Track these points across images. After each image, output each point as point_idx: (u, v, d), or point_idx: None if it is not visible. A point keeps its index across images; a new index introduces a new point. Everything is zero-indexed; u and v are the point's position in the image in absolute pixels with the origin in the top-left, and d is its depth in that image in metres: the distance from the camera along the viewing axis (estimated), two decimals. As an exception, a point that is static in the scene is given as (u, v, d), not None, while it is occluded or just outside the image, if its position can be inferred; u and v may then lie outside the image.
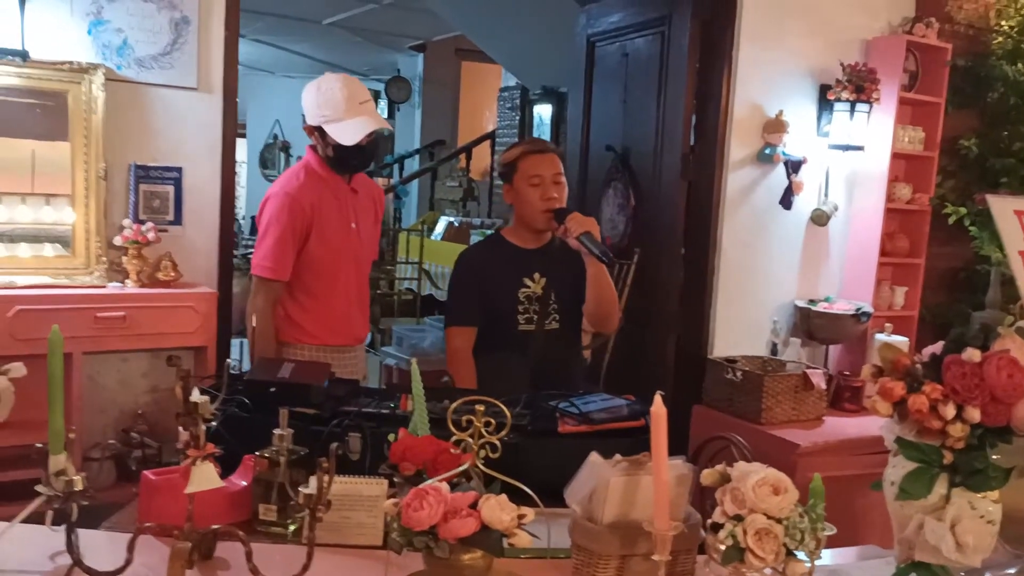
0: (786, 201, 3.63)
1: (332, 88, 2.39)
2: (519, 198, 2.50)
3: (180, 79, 2.64)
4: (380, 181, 9.78)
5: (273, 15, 7.89)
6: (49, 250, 2.51)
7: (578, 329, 2.65)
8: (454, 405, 1.27)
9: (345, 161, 2.47)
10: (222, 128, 2.74)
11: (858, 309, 3.58)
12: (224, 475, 1.67)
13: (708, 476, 1.25)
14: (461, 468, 1.25)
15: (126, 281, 2.55)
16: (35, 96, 2.45)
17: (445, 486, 1.23)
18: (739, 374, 3.26)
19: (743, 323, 3.68)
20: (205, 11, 2.65)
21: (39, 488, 1.33)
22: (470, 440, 1.25)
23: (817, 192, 3.73)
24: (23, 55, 2.29)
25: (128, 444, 2.48)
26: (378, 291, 6.69)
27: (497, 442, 1.25)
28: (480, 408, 1.26)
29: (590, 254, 2.35)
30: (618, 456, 1.38)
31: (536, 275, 2.51)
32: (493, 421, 1.26)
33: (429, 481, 1.26)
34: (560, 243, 2.50)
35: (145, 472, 1.57)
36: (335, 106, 2.38)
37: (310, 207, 2.42)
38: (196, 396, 1.31)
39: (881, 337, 3.47)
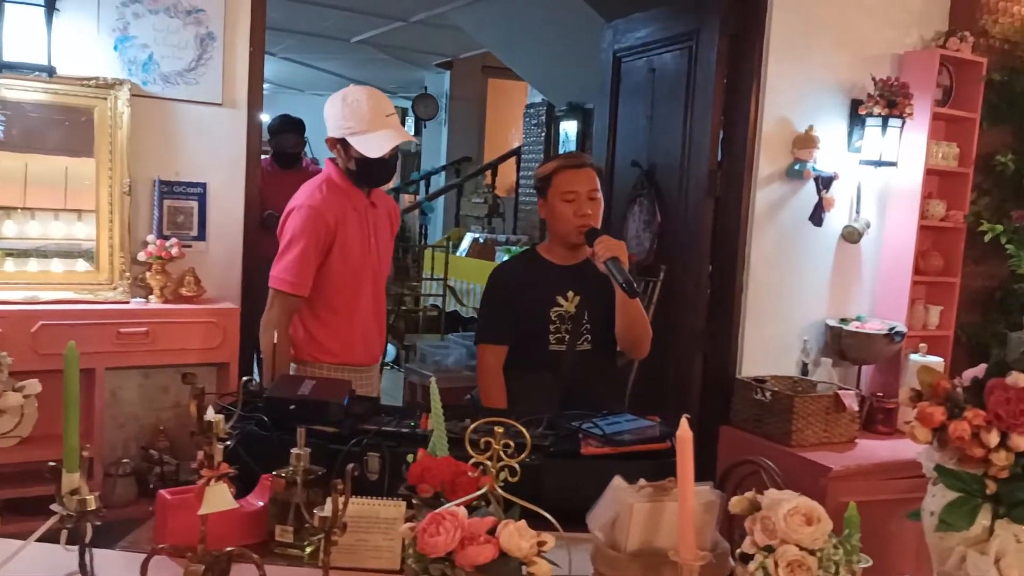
0: (816, 218, 3.56)
1: (358, 100, 2.34)
2: (553, 214, 2.44)
3: (205, 95, 2.64)
4: (406, 198, 9.83)
5: (303, 33, 7.98)
6: (74, 265, 2.52)
7: (612, 351, 2.56)
8: (472, 426, 1.24)
9: (367, 175, 2.42)
10: (246, 144, 2.73)
11: (891, 329, 3.49)
12: (243, 494, 1.66)
13: (737, 504, 1.20)
14: (479, 492, 1.21)
15: (149, 297, 2.54)
16: (62, 112, 2.46)
17: (463, 510, 1.19)
18: (768, 394, 3.19)
19: (772, 342, 3.61)
20: (230, 27, 2.66)
21: (53, 507, 1.31)
22: (489, 463, 1.21)
23: (848, 209, 3.66)
24: (50, 71, 2.30)
25: (148, 460, 2.46)
26: (403, 307, 6.69)
27: (516, 465, 1.21)
28: (499, 430, 1.22)
29: (615, 281, 2.28)
30: (642, 481, 1.34)
31: (570, 293, 2.45)
32: (512, 443, 1.22)
33: (447, 505, 1.22)
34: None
35: (161, 491, 1.55)
36: (360, 118, 2.33)
37: (333, 221, 2.38)
38: (211, 415, 1.29)
39: (915, 358, 3.38)
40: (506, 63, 7.77)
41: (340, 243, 2.40)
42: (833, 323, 3.62)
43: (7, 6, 2.18)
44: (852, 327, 3.55)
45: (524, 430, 1.26)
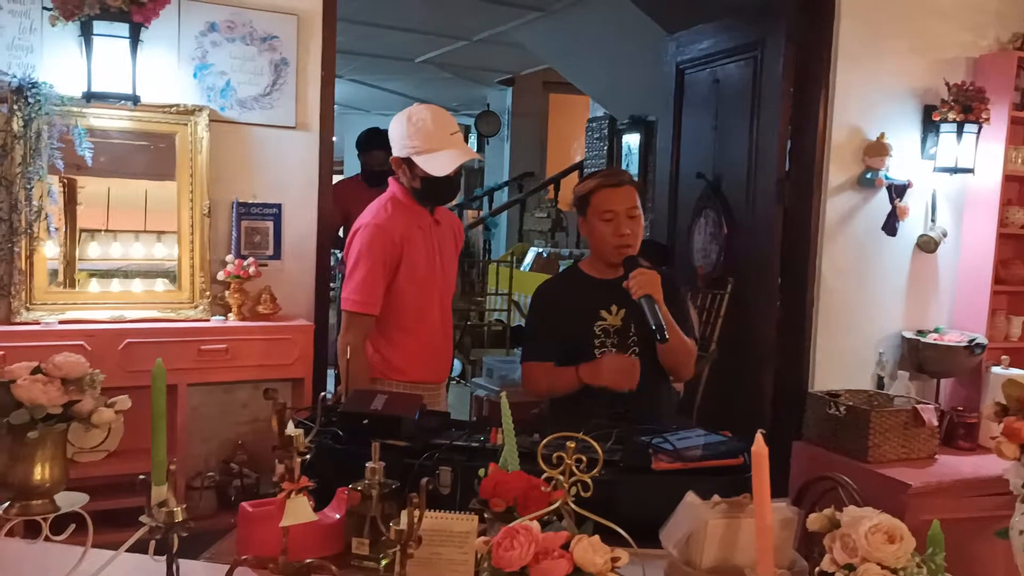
0: (890, 227, 3.48)
1: (423, 119, 2.35)
2: (592, 233, 2.42)
3: (279, 119, 2.73)
4: (470, 213, 9.92)
5: (368, 55, 8.15)
6: (157, 285, 2.62)
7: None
8: (545, 441, 1.24)
9: (432, 193, 2.43)
10: (319, 165, 2.81)
11: (971, 340, 3.38)
12: (319, 507, 1.70)
13: (815, 521, 1.18)
14: (553, 507, 1.22)
15: (228, 315, 2.63)
16: (145, 138, 2.58)
17: (536, 525, 1.20)
18: (843, 409, 3.11)
19: (846, 355, 3.53)
20: (303, 53, 2.74)
21: (142, 519, 1.37)
22: (561, 478, 1.22)
23: (924, 217, 3.57)
24: (134, 99, 2.40)
25: (229, 474, 2.54)
26: (469, 322, 6.74)
27: (589, 480, 1.21)
28: (571, 445, 1.23)
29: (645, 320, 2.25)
30: (716, 497, 1.33)
31: (614, 307, 2.41)
32: (584, 458, 1.22)
33: (520, 519, 1.23)
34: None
35: (243, 504, 1.60)
36: (426, 137, 2.33)
37: (399, 239, 2.39)
38: (291, 429, 1.33)
39: (997, 370, 3.26)
40: (568, 78, 7.79)
41: (407, 261, 2.41)
42: (910, 335, 3.52)
43: (95, 39, 2.30)
44: (930, 339, 3.45)
45: (597, 445, 1.26)
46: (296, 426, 2.05)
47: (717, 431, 2.01)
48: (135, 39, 2.34)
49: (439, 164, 2.34)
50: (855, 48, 3.41)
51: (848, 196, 3.47)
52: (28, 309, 2.37)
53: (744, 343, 3.72)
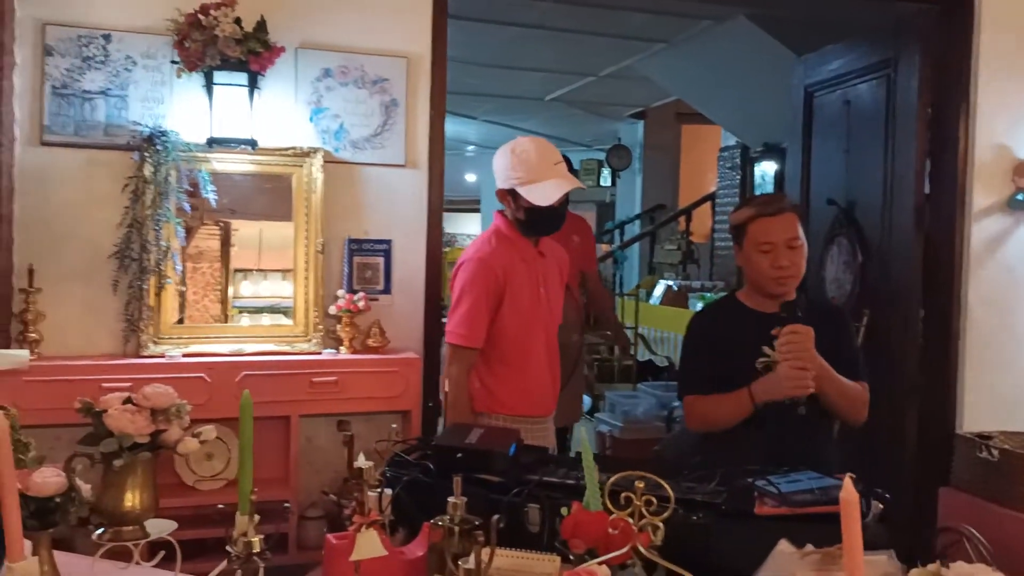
0: (1047, 253, 3.16)
1: (527, 150, 2.39)
2: (748, 264, 2.25)
3: (390, 158, 2.80)
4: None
5: (501, 96, 8.35)
6: (274, 319, 2.74)
7: None
8: (613, 479, 1.18)
9: (536, 223, 2.45)
10: (428, 200, 2.86)
11: None
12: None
13: (917, 577, 1.05)
14: (621, 551, 1.14)
15: (340, 348, 2.70)
16: (264, 179, 2.71)
17: (604, 570, 1.14)
18: (995, 452, 2.81)
19: (1000, 393, 3.21)
20: (412, 93, 2.81)
21: (228, 548, 1.40)
22: (629, 520, 1.15)
23: (1089, 242, 3.21)
24: (252, 144, 2.54)
25: (339, 505, 2.58)
26: (596, 356, 6.65)
27: (660, 523, 1.13)
28: (640, 484, 1.15)
29: None
30: (809, 547, 1.21)
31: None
32: (655, 500, 1.14)
33: (588, 563, 1.17)
34: (809, 302, 2.27)
35: (328, 535, 1.61)
36: (529, 168, 2.37)
37: (502, 272, 2.41)
38: (362, 462, 1.33)
39: None
40: (697, 108, 7.65)
41: (510, 294, 2.42)
42: (1076, 372, 3.15)
43: (216, 88, 2.45)
44: (1100, 377, 3.08)
45: (666, 485, 1.18)
46: (396, 459, 2.06)
47: (846, 474, 1.84)
48: (252, 87, 2.47)
49: (543, 194, 2.36)
50: (998, 62, 3.15)
51: (996, 220, 3.18)
52: (155, 343, 2.52)
53: (883, 380, 3.44)
